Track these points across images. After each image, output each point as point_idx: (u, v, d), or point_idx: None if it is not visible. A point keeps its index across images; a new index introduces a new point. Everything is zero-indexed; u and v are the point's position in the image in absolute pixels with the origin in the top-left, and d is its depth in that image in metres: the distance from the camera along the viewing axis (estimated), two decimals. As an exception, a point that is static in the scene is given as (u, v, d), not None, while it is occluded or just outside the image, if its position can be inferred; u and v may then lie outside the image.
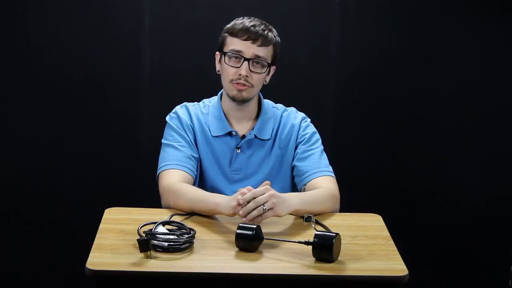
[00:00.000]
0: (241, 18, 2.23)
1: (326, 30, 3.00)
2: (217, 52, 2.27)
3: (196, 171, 2.25)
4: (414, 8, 3.00)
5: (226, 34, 2.23)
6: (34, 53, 2.93)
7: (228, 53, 2.21)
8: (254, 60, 2.19)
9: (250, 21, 2.21)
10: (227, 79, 2.22)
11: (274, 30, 2.25)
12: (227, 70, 2.21)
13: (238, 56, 2.19)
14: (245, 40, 2.18)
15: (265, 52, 2.20)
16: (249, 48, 2.19)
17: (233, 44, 2.20)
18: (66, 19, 2.91)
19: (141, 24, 2.93)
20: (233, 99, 2.24)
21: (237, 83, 2.20)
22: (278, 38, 2.25)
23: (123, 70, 2.96)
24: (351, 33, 3.00)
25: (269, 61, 2.23)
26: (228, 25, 2.24)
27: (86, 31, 2.92)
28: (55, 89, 2.96)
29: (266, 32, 2.20)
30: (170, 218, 2.01)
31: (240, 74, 2.19)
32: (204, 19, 2.92)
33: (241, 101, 2.24)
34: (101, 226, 1.97)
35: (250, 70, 2.19)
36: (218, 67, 2.28)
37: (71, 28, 2.92)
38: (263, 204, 1.91)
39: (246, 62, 2.19)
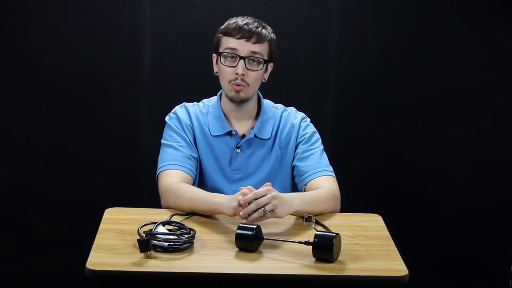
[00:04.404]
0: (234, 18, 2.24)
1: (326, 30, 3.00)
2: (214, 54, 2.28)
3: (196, 171, 2.25)
4: (414, 8, 3.00)
5: (221, 35, 2.24)
6: (34, 53, 2.93)
7: (224, 53, 2.21)
8: (250, 57, 2.19)
9: (243, 20, 2.21)
10: (225, 80, 2.22)
11: (269, 27, 2.25)
12: (224, 70, 2.22)
13: (234, 55, 2.19)
14: (239, 38, 2.19)
15: (260, 49, 2.20)
16: (244, 46, 2.19)
17: (228, 43, 2.20)
18: (66, 19, 2.91)
19: (141, 24, 2.93)
20: (231, 100, 2.24)
21: (235, 83, 2.20)
22: (273, 35, 2.25)
23: (123, 70, 2.96)
24: (351, 33, 3.00)
25: (265, 57, 2.23)
26: (222, 26, 2.25)
27: (86, 31, 2.92)
28: (55, 89, 2.96)
29: (259, 29, 2.20)
30: (170, 218, 2.01)
31: (237, 73, 2.19)
32: (204, 20, 2.91)
33: (239, 102, 2.24)
34: (101, 226, 1.97)
35: (247, 68, 2.19)
36: (215, 68, 2.28)
37: (71, 28, 2.92)
38: (264, 206, 1.92)
39: (242, 61, 2.19)
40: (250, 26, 2.19)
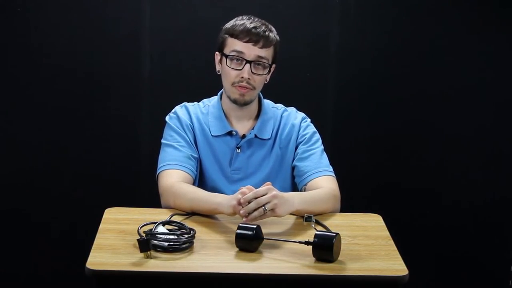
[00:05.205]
0: (241, 18, 2.22)
1: (326, 30, 3.00)
2: (217, 52, 2.26)
3: (196, 171, 2.25)
4: (414, 8, 3.00)
5: (227, 36, 2.21)
6: (34, 53, 2.93)
7: (230, 56, 2.19)
8: (256, 62, 2.18)
9: (251, 22, 2.19)
10: (229, 82, 2.21)
11: (274, 29, 2.24)
12: (228, 72, 2.20)
13: (240, 58, 2.18)
14: (247, 42, 2.17)
15: (266, 54, 2.19)
16: (250, 50, 2.17)
17: (234, 45, 2.18)
18: (66, 19, 2.91)
19: (141, 24, 2.93)
20: (234, 102, 2.24)
21: (239, 86, 2.20)
22: (277, 37, 2.24)
23: (123, 70, 2.96)
24: (351, 33, 3.00)
25: (270, 62, 2.22)
26: (228, 25, 2.22)
27: (86, 31, 2.92)
28: (55, 89, 2.96)
29: (267, 33, 2.18)
30: (170, 218, 2.01)
31: (242, 77, 2.18)
32: (204, 19, 2.91)
33: (242, 104, 2.24)
34: (101, 226, 1.97)
35: (252, 72, 2.18)
36: (218, 67, 2.27)
37: (71, 28, 2.92)
38: (264, 205, 1.92)
39: (248, 65, 2.17)
40: (258, 29, 2.17)
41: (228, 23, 2.23)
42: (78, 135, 2.99)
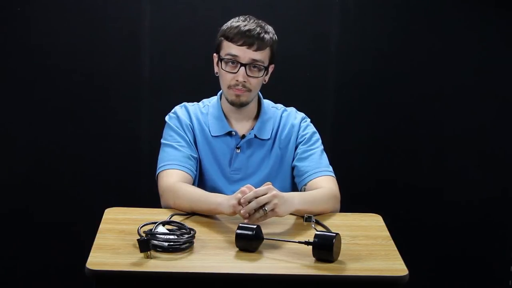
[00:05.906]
0: (237, 19, 2.21)
1: (326, 30, 3.00)
2: (215, 54, 2.26)
3: (196, 171, 2.25)
4: (414, 8, 3.00)
5: (222, 38, 2.21)
6: (34, 53, 2.93)
7: (225, 59, 2.19)
8: (251, 64, 2.18)
9: (245, 25, 2.17)
10: (225, 85, 2.21)
11: (270, 29, 2.22)
12: (224, 75, 2.20)
13: (235, 61, 2.18)
14: (241, 45, 2.16)
15: (262, 56, 2.18)
16: (245, 53, 2.17)
17: (229, 49, 2.18)
18: (66, 19, 2.91)
19: (141, 24, 2.93)
20: (231, 104, 2.24)
21: (235, 89, 2.20)
22: (275, 37, 2.23)
23: (123, 70, 2.96)
24: (351, 33, 3.00)
25: (266, 63, 2.21)
26: (224, 27, 2.21)
27: (86, 31, 2.92)
28: (55, 89, 2.96)
29: (262, 35, 2.17)
30: (170, 218, 2.01)
31: (237, 80, 2.18)
32: (204, 19, 2.91)
33: (239, 106, 2.24)
34: (101, 226, 1.98)
35: (247, 75, 2.18)
36: (216, 69, 2.27)
37: (71, 28, 2.92)
38: (264, 205, 1.92)
39: (242, 68, 2.17)
40: (252, 32, 2.16)
41: (225, 25, 2.22)
42: (78, 135, 2.99)
